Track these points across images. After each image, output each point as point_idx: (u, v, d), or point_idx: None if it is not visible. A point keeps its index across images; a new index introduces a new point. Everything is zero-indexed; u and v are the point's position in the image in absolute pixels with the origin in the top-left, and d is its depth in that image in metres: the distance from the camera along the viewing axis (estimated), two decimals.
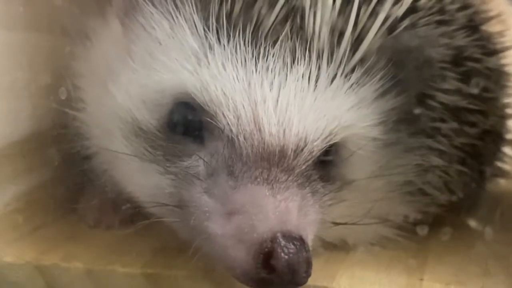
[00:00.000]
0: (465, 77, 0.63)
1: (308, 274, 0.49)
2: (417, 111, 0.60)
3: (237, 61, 0.53)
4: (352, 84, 0.55)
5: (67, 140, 0.64)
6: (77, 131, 0.63)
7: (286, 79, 0.53)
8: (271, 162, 0.52)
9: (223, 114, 0.53)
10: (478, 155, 0.68)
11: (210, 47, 0.54)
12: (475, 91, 0.63)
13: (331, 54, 0.55)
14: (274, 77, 0.53)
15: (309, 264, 0.49)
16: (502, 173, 0.75)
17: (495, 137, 0.71)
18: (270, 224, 0.49)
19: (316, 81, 0.54)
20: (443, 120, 0.62)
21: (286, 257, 0.48)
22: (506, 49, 0.71)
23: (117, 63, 0.58)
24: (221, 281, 0.57)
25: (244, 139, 0.52)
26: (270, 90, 0.53)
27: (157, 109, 0.56)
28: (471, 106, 0.64)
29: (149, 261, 0.60)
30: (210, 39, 0.54)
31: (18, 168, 0.66)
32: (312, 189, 0.54)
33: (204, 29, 0.55)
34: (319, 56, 0.54)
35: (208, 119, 0.53)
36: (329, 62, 0.54)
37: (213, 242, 0.51)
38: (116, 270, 0.59)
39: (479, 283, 0.56)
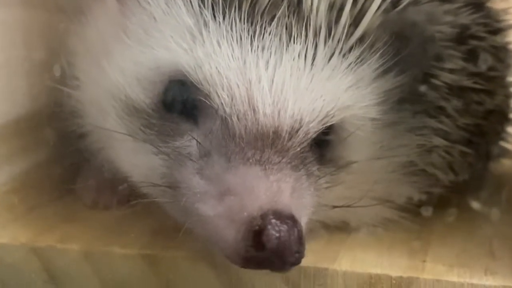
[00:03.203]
0: (470, 56, 0.61)
1: (300, 254, 0.48)
2: (420, 90, 0.58)
3: (233, 39, 0.52)
4: (350, 63, 0.54)
5: (62, 118, 0.63)
6: (72, 109, 0.62)
7: (282, 58, 0.52)
8: (265, 143, 0.51)
9: (217, 93, 0.52)
10: (483, 135, 0.67)
11: (205, 24, 0.53)
12: (480, 69, 0.62)
13: (329, 31, 0.53)
14: (270, 56, 0.52)
15: (301, 244, 0.48)
16: (507, 153, 0.74)
17: (500, 116, 0.70)
18: (261, 202, 0.48)
19: (313, 60, 0.52)
20: (447, 100, 0.60)
21: (277, 234, 0.47)
22: (510, 27, 0.70)
23: (112, 40, 0.57)
24: (219, 262, 0.57)
25: (238, 119, 0.51)
26: (266, 69, 0.52)
27: (151, 87, 0.55)
28: (475, 86, 0.62)
29: (147, 242, 0.60)
30: (206, 15, 0.53)
31: (14, 148, 0.65)
32: (307, 171, 0.53)
33: (199, 5, 0.53)
34: (316, 34, 0.53)
35: (202, 98, 0.52)
36: (326, 40, 0.53)
37: (204, 223, 0.50)
38: (113, 252, 0.58)
39: (482, 265, 0.56)
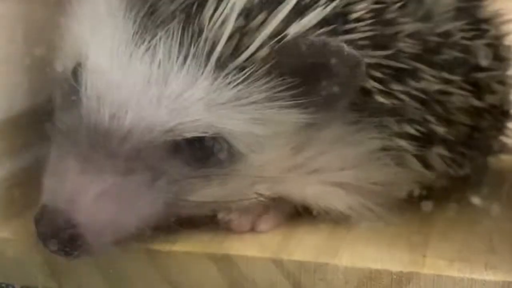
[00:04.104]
0: (447, 65, 0.61)
1: (71, 250, 0.52)
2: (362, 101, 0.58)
3: (117, 37, 0.54)
4: (228, 83, 0.53)
5: None
6: None
7: (145, 67, 0.53)
8: (96, 143, 0.53)
9: (84, 84, 0.54)
10: (481, 131, 0.67)
11: (111, 16, 0.54)
12: (458, 76, 0.62)
13: (208, 51, 0.53)
14: (136, 62, 0.53)
15: (70, 246, 0.52)
16: (508, 149, 0.74)
17: (499, 112, 0.70)
18: (53, 195, 0.53)
19: (176, 75, 0.53)
20: (419, 107, 0.60)
21: (43, 228, 0.53)
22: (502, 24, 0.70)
23: (74, 24, 0.59)
24: (221, 256, 0.57)
25: (86, 113, 0.53)
26: (124, 74, 0.53)
27: (72, 68, 0.57)
28: (459, 91, 0.62)
29: (149, 237, 0.60)
30: (116, 9, 0.55)
31: (15, 143, 0.65)
32: (156, 174, 0.54)
33: None
34: (192, 51, 0.53)
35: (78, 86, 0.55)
36: (200, 58, 0.53)
37: None
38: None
39: (483, 260, 0.56)
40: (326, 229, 0.61)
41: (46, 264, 0.60)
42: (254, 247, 0.58)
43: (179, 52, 0.53)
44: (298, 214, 0.63)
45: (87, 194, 0.52)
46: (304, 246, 0.58)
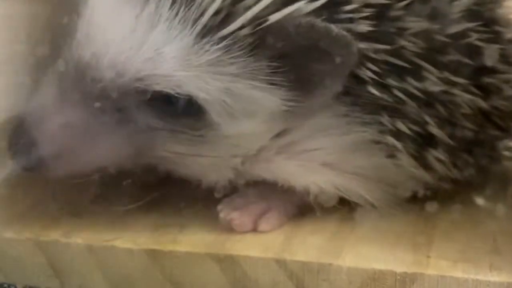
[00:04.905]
0: (456, 66, 0.60)
1: (27, 163, 0.57)
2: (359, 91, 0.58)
3: None
4: (204, 49, 0.54)
5: None
6: None
7: (134, 14, 0.55)
8: (76, 77, 0.56)
9: (81, 23, 0.57)
10: (487, 132, 0.66)
11: None
12: (462, 80, 0.61)
13: (196, 17, 0.54)
14: (125, 8, 0.55)
15: (27, 157, 0.57)
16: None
17: (506, 114, 0.70)
18: (28, 112, 0.58)
19: (160, 29, 0.54)
20: (417, 107, 0.60)
21: (12, 137, 0.58)
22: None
23: None
24: (223, 257, 0.57)
25: (75, 48, 0.57)
26: (115, 16, 0.55)
27: None
28: (464, 94, 0.61)
29: (151, 236, 0.60)
30: None
31: None
32: (123, 118, 0.57)
33: None
34: (179, 11, 0.54)
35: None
36: (186, 21, 0.54)
37: None
38: (117, 246, 0.59)
39: (487, 261, 0.55)
40: (330, 229, 0.61)
41: (48, 264, 0.60)
42: (257, 247, 0.58)
43: (169, 10, 0.55)
44: (301, 214, 0.63)
45: (54, 120, 0.57)
46: (307, 246, 0.58)
